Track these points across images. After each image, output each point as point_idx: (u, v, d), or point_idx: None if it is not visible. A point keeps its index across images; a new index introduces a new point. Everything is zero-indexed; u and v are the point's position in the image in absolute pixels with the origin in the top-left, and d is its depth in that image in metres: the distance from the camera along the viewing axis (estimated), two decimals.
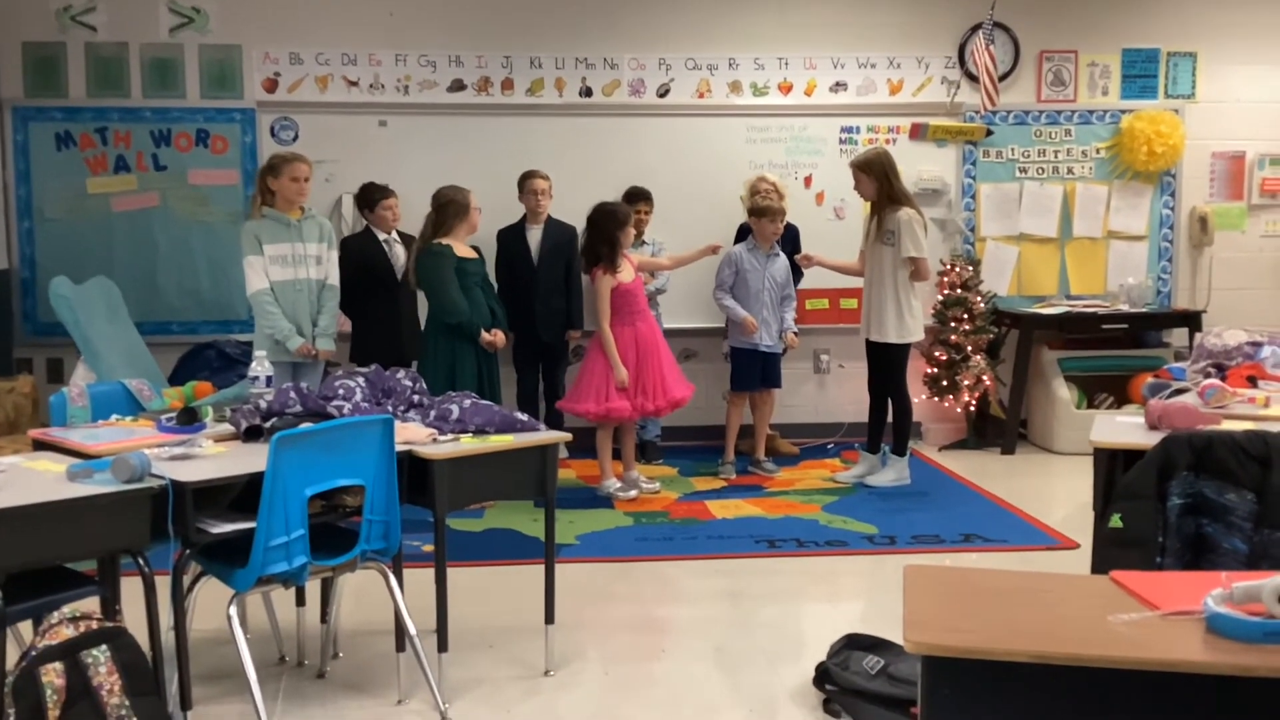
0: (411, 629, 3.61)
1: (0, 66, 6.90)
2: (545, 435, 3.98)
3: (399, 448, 3.56)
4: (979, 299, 7.44)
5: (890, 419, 6.54)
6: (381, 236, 6.58)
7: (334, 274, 5.71)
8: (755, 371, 6.73)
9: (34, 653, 2.84)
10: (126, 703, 2.89)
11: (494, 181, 6.91)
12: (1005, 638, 2.03)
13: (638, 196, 6.93)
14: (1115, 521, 3.16)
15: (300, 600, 4.06)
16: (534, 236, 6.76)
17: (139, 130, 7.06)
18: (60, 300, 5.75)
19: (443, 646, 3.73)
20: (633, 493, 6.24)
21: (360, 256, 6.43)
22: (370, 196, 6.64)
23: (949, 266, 7.48)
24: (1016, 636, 2.04)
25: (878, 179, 6.30)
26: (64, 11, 7.00)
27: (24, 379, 5.84)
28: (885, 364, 6.45)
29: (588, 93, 7.39)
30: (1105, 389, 7.51)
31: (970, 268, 7.50)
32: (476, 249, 6.10)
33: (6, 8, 6.88)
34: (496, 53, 7.29)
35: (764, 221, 6.62)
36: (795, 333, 6.86)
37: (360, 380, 4.05)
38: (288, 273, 5.51)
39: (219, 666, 3.90)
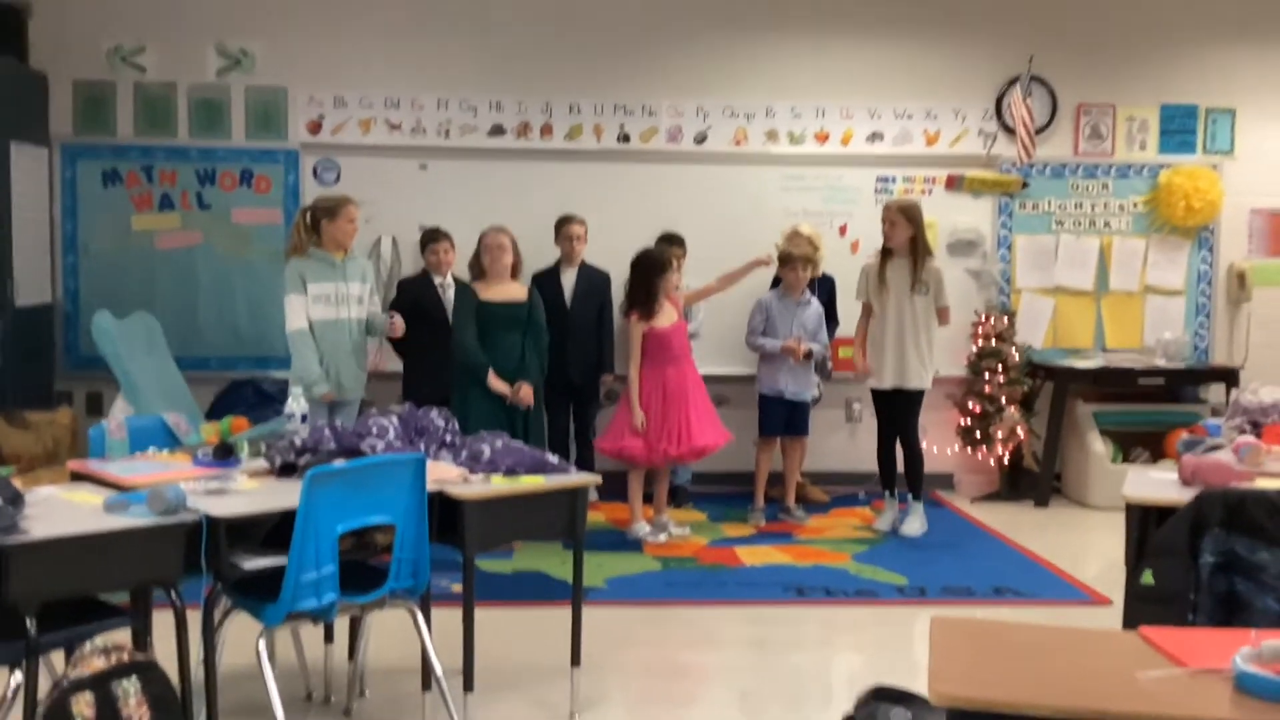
0: (438, 668, 3.62)
1: (51, 104, 7.05)
2: (576, 478, 4.00)
3: (430, 487, 3.58)
4: (1014, 351, 7.41)
5: (903, 466, 6.53)
6: (436, 280, 6.63)
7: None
8: (780, 418, 6.74)
9: (65, 683, 2.86)
10: None
11: (531, 225, 6.95)
12: (1031, 691, 2.02)
13: (670, 242, 6.98)
14: (1147, 578, 3.14)
15: (329, 637, 4.08)
16: (568, 280, 6.81)
17: (184, 169, 7.19)
18: (102, 334, 5.85)
19: (468, 686, 3.74)
20: (662, 537, 6.24)
21: (413, 298, 6.50)
22: (426, 239, 6.73)
23: (984, 318, 7.46)
24: (1042, 690, 2.03)
25: (916, 227, 6.34)
26: (114, 52, 7.17)
27: (64, 411, 5.92)
28: (909, 410, 6.45)
29: (625, 139, 7.47)
30: (1141, 444, 7.44)
31: (1005, 319, 7.48)
32: (533, 290, 6.13)
33: (58, 47, 7.05)
34: (536, 98, 7.39)
35: (786, 270, 6.68)
36: (810, 351, 6.67)
37: (393, 419, 4.08)
38: (330, 312, 5.55)
39: (246, 702, 3.91)
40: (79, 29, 7.09)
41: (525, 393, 5.92)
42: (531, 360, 6.06)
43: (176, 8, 7.17)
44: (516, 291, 6.05)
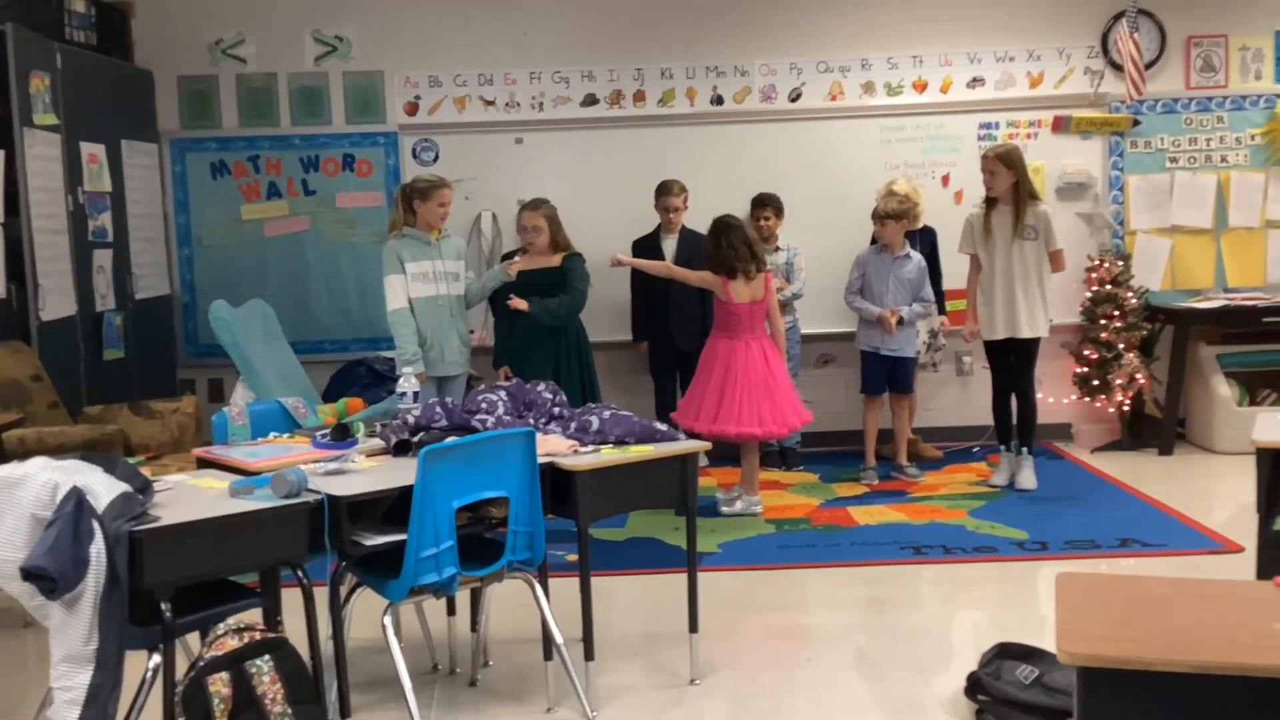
0: (558, 638, 3.67)
1: (158, 101, 7.24)
2: (685, 445, 4.00)
3: (541, 460, 3.62)
4: (1130, 294, 7.19)
5: (1016, 417, 6.40)
6: None
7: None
8: (881, 374, 6.64)
9: (201, 663, 2.97)
10: (289, 711, 3.00)
11: (629, 192, 7.04)
12: (1164, 647, 1.97)
13: (762, 204, 6.94)
14: None
15: (451, 610, 4.15)
16: (669, 246, 6.79)
17: (289, 157, 7.34)
18: (220, 323, 6.00)
19: (589, 655, 3.78)
20: (737, 505, 6.14)
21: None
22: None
23: (1098, 262, 7.26)
24: (1176, 646, 1.97)
25: (1018, 173, 6.18)
26: (215, 45, 7.32)
27: (187, 399, 6.09)
28: (1023, 360, 6.32)
29: (719, 100, 7.40)
30: (1268, 385, 7.19)
31: (1120, 262, 7.26)
32: (577, 255, 6.07)
33: (160, 44, 7.22)
34: (628, 65, 7.36)
35: (877, 226, 6.61)
36: (902, 319, 6.50)
37: (502, 394, 4.14)
38: (429, 289, 5.65)
39: (375, 675, 4.01)
40: (180, 25, 7.25)
41: (516, 302, 5.83)
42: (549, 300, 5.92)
43: None
44: (550, 260, 6.01)
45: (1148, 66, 7.24)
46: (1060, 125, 7.42)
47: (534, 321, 5.88)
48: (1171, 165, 7.46)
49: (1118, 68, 7.26)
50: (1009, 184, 6.18)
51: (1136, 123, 7.41)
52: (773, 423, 5.90)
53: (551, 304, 5.91)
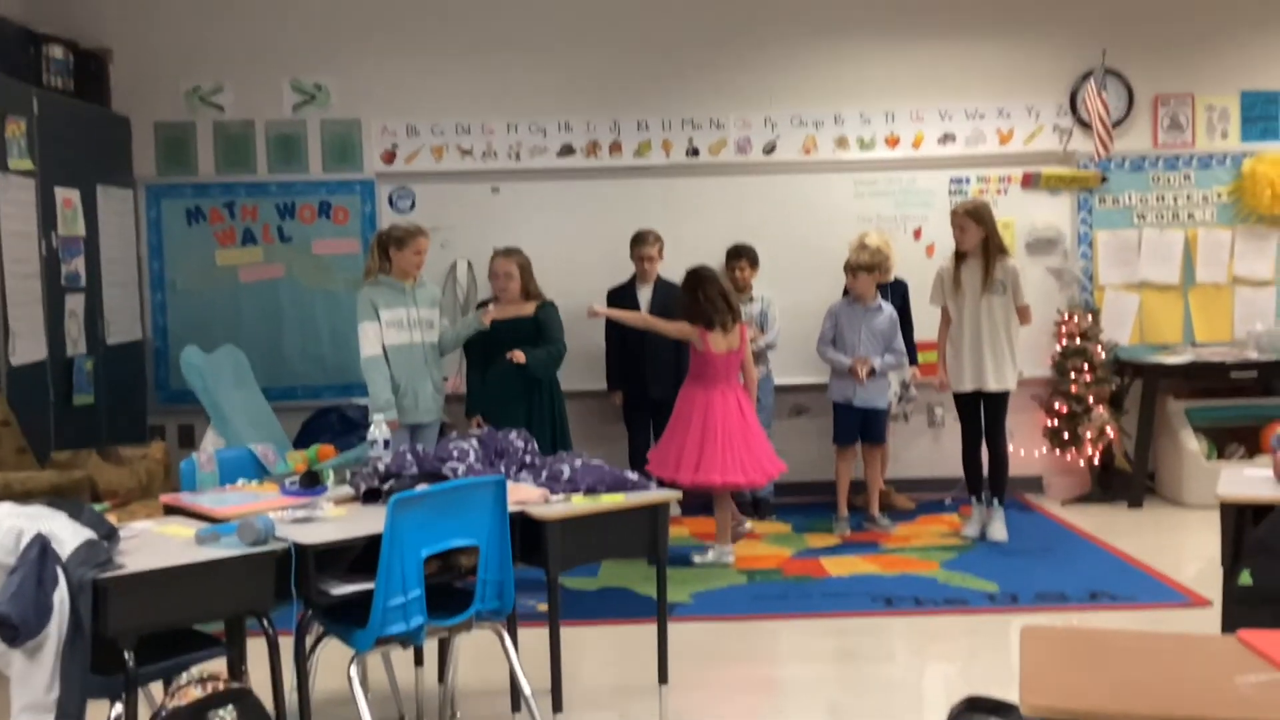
0: (526, 689, 3.64)
1: (134, 146, 7.24)
2: (656, 494, 4.00)
3: (512, 508, 3.61)
4: (1100, 349, 7.26)
5: (988, 470, 6.44)
6: None
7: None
8: (853, 426, 6.68)
9: (164, 713, 2.93)
10: None
11: (605, 241, 7.08)
12: (1125, 700, 1.98)
13: (738, 255, 6.98)
14: (1245, 578, 3.06)
15: (418, 660, 4.12)
16: (644, 296, 6.83)
17: (265, 204, 7.35)
18: (191, 369, 5.98)
19: (557, 707, 3.75)
20: (709, 555, 6.11)
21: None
22: None
23: (1067, 316, 7.33)
24: (1137, 699, 1.98)
25: (987, 228, 6.26)
26: (193, 92, 7.35)
27: (157, 445, 6.05)
28: (993, 413, 6.37)
29: (694, 152, 7.47)
30: (1236, 439, 7.25)
31: (1089, 317, 7.34)
32: (550, 304, 6.12)
33: (139, 90, 7.23)
34: (604, 117, 7.43)
35: (849, 279, 6.66)
36: (874, 369, 6.55)
37: (473, 442, 4.13)
38: (403, 336, 5.67)
39: None
40: (158, 72, 7.27)
41: (515, 354, 5.85)
42: (539, 350, 5.96)
43: (252, 47, 7.33)
44: (523, 309, 6.05)
45: (1116, 124, 7.35)
46: (1029, 181, 7.52)
47: (529, 372, 5.91)
48: (1140, 222, 7.57)
49: (1086, 125, 7.38)
50: (978, 239, 6.26)
51: (1104, 179, 7.51)
52: (754, 472, 5.92)
53: (541, 354, 5.97)
